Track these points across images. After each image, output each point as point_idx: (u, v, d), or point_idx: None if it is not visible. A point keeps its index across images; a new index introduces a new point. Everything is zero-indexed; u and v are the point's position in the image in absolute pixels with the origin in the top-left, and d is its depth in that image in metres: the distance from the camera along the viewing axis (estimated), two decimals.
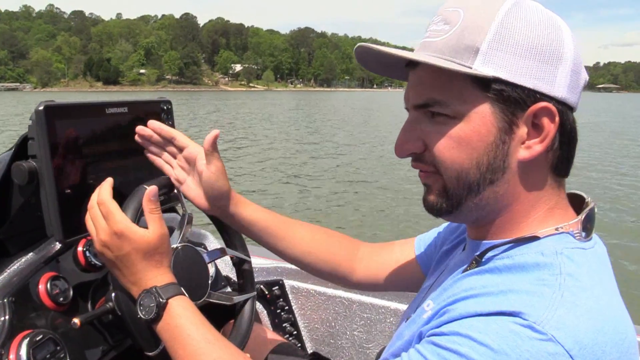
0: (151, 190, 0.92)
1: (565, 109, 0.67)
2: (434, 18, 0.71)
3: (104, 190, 0.90)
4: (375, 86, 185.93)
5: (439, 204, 0.72)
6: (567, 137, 0.68)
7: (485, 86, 0.65)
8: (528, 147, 0.66)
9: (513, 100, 0.65)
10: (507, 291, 0.60)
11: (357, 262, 1.09)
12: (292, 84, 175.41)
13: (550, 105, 0.65)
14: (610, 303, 0.62)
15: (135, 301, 0.86)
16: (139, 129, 1.02)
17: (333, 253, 1.08)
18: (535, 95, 0.65)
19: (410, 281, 1.04)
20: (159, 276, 0.86)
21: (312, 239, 1.07)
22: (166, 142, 1.02)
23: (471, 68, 0.64)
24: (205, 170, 0.97)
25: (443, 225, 1.01)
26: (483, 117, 0.65)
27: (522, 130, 0.66)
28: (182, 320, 0.82)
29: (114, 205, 0.87)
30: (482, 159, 0.66)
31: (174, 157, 1.03)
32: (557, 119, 0.65)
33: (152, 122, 1.02)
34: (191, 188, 1.01)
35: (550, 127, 0.65)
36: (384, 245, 1.12)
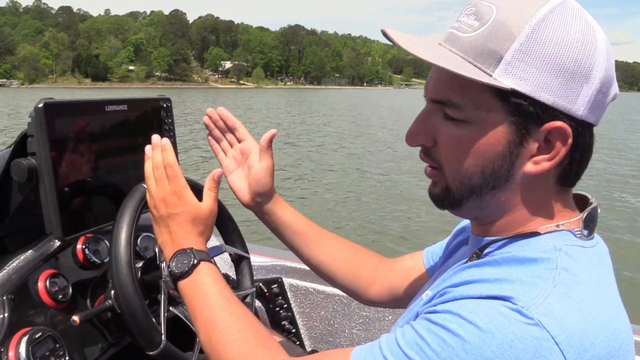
0: (218, 171, 0.96)
1: (582, 126, 0.64)
2: (467, 7, 0.68)
3: (171, 153, 0.92)
4: (365, 84, 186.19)
5: (442, 199, 0.73)
6: (579, 154, 0.66)
7: (503, 97, 0.63)
8: (536, 163, 0.65)
9: (529, 114, 0.63)
10: (502, 280, 0.61)
11: (376, 276, 1.11)
12: (282, 81, 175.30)
13: (565, 125, 0.63)
14: (605, 300, 0.63)
15: (165, 260, 0.90)
16: (210, 111, 1.07)
17: (358, 265, 1.10)
18: (553, 113, 0.63)
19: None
20: (197, 243, 0.89)
21: (340, 249, 1.09)
22: (228, 130, 1.08)
23: (491, 76, 0.63)
24: (256, 165, 1.03)
25: (450, 235, 1.02)
26: (495, 126, 0.64)
27: (533, 145, 0.65)
28: (208, 279, 0.85)
29: (179, 170, 0.91)
30: (488, 167, 0.66)
31: (231, 146, 1.08)
32: (569, 140, 0.63)
33: (222, 109, 1.07)
34: (237, 179, 1.06)
35: (561, 148, 0.64)
36: (395, 259, 1.13)
